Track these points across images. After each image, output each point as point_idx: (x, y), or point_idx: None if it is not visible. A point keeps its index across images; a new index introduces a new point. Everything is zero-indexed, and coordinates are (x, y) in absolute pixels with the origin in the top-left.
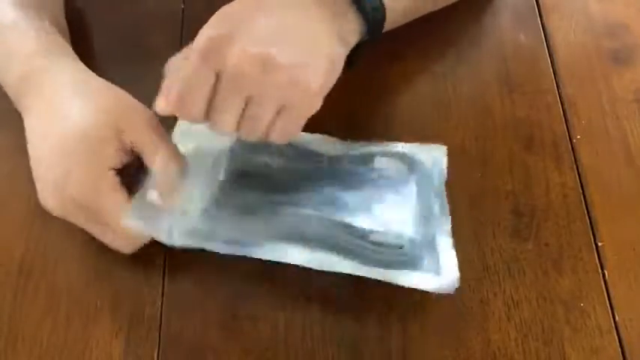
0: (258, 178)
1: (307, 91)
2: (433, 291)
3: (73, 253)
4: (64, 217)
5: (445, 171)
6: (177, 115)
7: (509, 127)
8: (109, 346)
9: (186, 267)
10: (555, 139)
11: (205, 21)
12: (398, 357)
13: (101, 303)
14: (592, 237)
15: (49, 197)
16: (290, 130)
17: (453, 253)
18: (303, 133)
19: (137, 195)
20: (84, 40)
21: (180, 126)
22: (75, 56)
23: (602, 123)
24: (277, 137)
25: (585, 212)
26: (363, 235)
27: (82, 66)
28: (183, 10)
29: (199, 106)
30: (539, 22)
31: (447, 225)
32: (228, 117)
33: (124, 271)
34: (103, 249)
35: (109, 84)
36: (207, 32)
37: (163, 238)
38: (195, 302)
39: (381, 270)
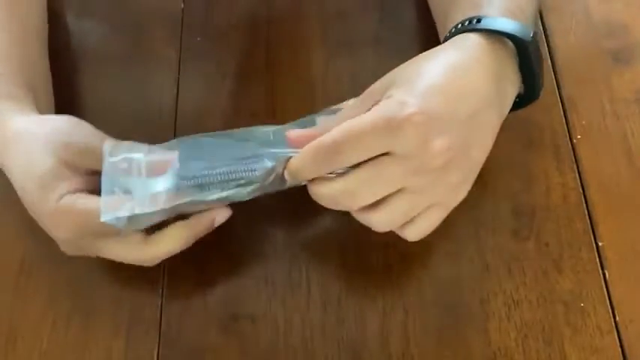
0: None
1: (463, 194)
2: None
3: None
4: (97, 255)
5: None
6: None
7: (509, 127)
8: (109, 346)
9: (186, 267)
10: (555, 139)
11: (205, 20)
12: (398, 357)
13: (101, 303)
14: (592, 237)
15: (65, 249)
16: (429, 229)
17: None
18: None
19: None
20: (84, 40)
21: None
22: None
23: (603, 123)
24: (412, 236)
25: (585, 212)
26: None
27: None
28: (183, 9)
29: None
30: (540, 22)
31: None
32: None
33: (124, 271)
34: None
35: (43, 120)
36: (405, 98)
37: (145, 207)
38: (195, 302)
39: None
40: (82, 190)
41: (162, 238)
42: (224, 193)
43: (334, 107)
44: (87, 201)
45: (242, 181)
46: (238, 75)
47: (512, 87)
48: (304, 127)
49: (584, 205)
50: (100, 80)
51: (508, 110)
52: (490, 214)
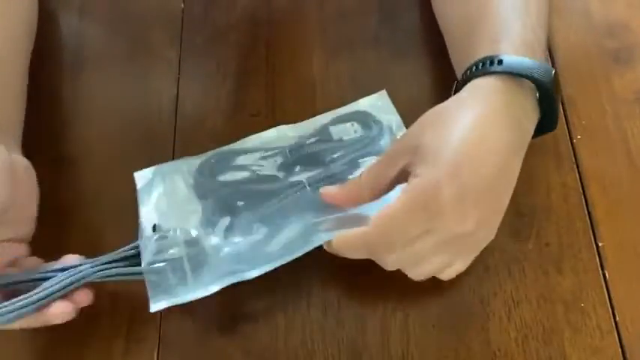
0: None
1: (482, 247)
2: None
3: (72, 252)
4: None
5: (399, 119)
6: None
7: None
8: (109, 346)
9: None
10: (556, 139)
11: (205, 20)
12: (398, 357)
13: (101, 303)
14: (592, 237)
15: None
16: (453, 275)
17: None
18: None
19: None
20: (84, 40)
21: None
22: None
23: (603, 123)
24: (445, 277)
25: (586, 212)
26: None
27: None
28: (183, 9)
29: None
30: None
31: None
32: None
33: None
34: (103, 248)
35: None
36: (436, 176)
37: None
38: (195, 302)
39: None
40: None
41: None
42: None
43: (341, 111)
44: None
45: None
46: (238, 75)
47: (532, 124)
48: (318, 138)
49: (584, 205)
50: (100, 80)
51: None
52: None
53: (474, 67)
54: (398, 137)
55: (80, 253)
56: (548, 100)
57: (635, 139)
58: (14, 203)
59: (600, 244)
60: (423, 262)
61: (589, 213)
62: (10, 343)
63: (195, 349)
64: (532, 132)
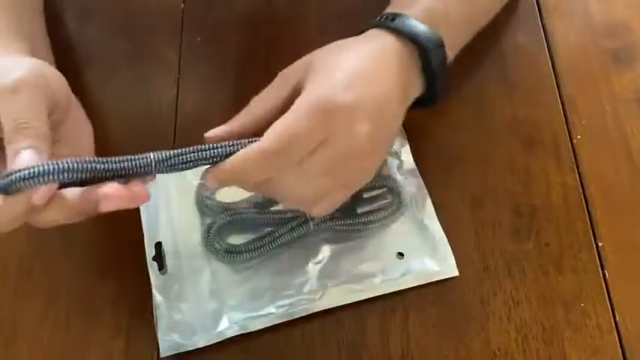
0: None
1: (370, 177)
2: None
3: (73, 253)
4: None
5: (415, 168)
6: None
7: (509, 127)
8: (109, 346)
9: None
10: (555, 139)
11: (205, 20)
12: (398, 357)
13: (101, 303)
14: (592, 237)
15: None
16: (331, 208)
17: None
18: None
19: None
20: (84, 40)
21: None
22: None
23: (603, 123)
24: (315, 213)
25: (585, 212)
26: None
27: None
28: (183, 9)
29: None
30: (539, 22)
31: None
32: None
33: (124, 271)
34: (103, 249)
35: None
36: (330, 85)
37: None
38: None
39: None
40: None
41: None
42: None
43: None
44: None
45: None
46: (238, 75)
47: (413, 88)
48: None
49: (584, 205)
50: (100, 80)
51: (406, 108)
52: (490, 214)
53: (375, 20)
54: (402, 157)
55: (81, 253)
56: (428, 66)
57: (635, 139)
58: (59, 108)
59: (600, 244)
60: (311, 183)
61: (589, 213)
62: (10, 343)
63: (194, 350)
64: (413, 95)
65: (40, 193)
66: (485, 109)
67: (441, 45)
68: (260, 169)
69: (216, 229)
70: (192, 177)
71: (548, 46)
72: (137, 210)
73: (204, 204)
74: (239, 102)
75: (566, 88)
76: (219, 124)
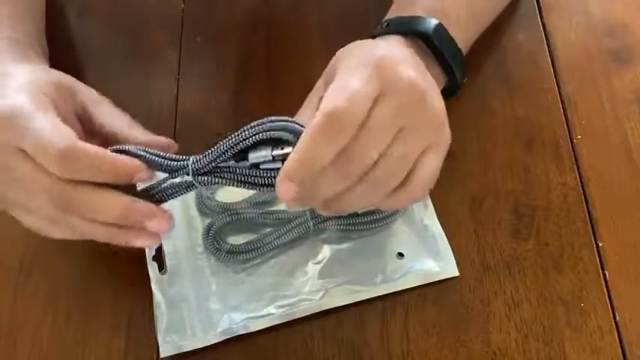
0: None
1: (448, 135)
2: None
3: (73, 253)
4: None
5: None
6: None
7: (509, 127)
8: (109, 346)
9: None
10: (555, 139)
11: (205, 20)
12: (398, 357)
13: (101, 303)
14: (592, 237)
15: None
16: (431, 177)
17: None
18: None
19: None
20: (84, 40)
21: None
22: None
23: (603, 123)
24: (419, 189)
25: (586, 212)
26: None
27: None
28: (183, 9)
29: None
30: (540, 22)
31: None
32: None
33: (123, 271)
34: (103, 248)
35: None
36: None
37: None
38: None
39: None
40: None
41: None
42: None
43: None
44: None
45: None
46: (238, 75)
47: (436, 78)
48: None
49: (584, 205)
50: (100, 80)
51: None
52: (490, 214)
53: (379, 28)
54: None
55: (81, 253)
56: (438, 53)
57: (635, 139)
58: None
59: (600, 244)
60: (388, 141)
61: (589, 213)
62: (10, 343)
63: (194, 350)
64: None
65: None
66: (485, 109)
67: (437, 29)
68: (328, 140)
69: (216, 229)
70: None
71: (548, 46)
72: None
73: (204, 204)
74: (239, 102)
75: (566, 88)
76: (219, 124)
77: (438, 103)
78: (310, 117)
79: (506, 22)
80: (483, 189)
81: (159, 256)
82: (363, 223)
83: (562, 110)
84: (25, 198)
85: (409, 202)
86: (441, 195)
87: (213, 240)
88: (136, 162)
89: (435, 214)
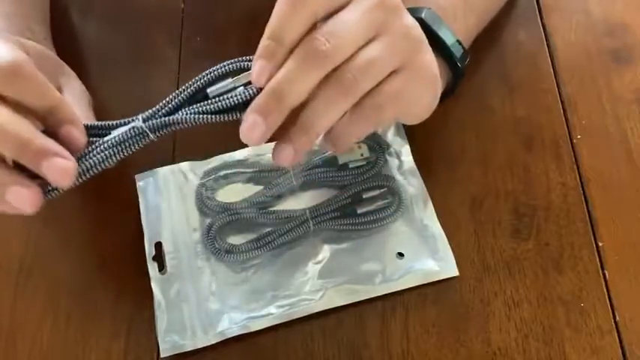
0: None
1: (432, 67)
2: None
3: (73, 253)
4: None
5: (408, 147)
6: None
7: (509, 127)
8: (109, 346)
9: None
10: (555, 138)
11: (205, 20)
12: (398, 357)
13: (101, 303)
14: (592, 237)
15: None
16: (395, 98)
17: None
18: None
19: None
20: (84, 40)
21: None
22: None
23: (603, 123)
24: (388, 110)
25: (586, 212)
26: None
27: None
28: (183, 9)
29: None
30: (540, 21)
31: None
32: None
33: (124, 271)
34: (103, 249)
35: None
36: None
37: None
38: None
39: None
40: None
41: None
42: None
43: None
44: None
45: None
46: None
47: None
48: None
49: (584, 205)
50: (100, 80)
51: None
52: (490, 214)
53: None
54: (402, 157)
55: (81, 253)
56: (434, 35)
57: (635, 139)
58: None
59: (600, 244)
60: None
61: (589, 213)
62: (10, 343)
63: (194, 350)
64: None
65: None
66: (485, 108)
67: (439, 19)
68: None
69: (216, 229)
70: (193, 177)
71: (548, 46)
72: (137, 210)
73: (204, 204)
74: None
75: (566, 88)
76: (219, 124)
77: (416, 30)
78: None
79: (506, 21)
80: (483, 189)
81: (159, 256)
82: (363, 223)
83: (562, 110)
84: None
85: (372, 119)
86: (441, 195)
87: (213, 240)
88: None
89: (435, 214)
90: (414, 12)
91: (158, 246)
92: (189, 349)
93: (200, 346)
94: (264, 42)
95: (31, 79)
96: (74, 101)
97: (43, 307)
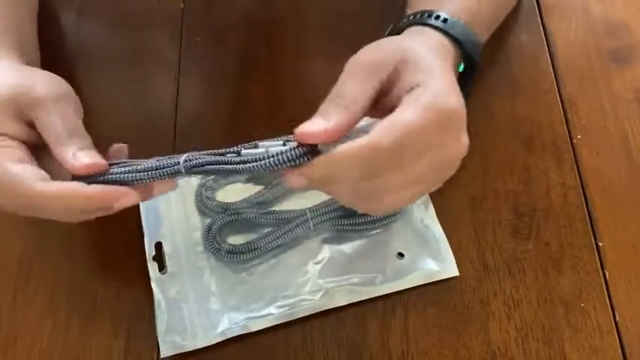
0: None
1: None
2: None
3: (73, 253)
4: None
5: None
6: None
7: (509, 127)
8: (109, 346)
9: None
10: (555, 139)
11: (205, 20)
12: (398, 357)
13: (101, 303)
14: (592, 237)
15: None
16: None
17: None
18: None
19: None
20: (84, 40)
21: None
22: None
23: (603, 123)
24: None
25: (585, 212)
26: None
27: None
28: (183, 9)
29: None
30: (540, 22)
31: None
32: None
33: (123, 271)
34: (103, 249)
35: (14, 66)
36: (443, 88)
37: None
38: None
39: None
40: (12, 138)
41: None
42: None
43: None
44: (13, 167)
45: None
46: (238, 75)
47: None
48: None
49: (584, 205)
50: (100, 80)
51: None
52: (490, 214)
53: (414, 16)
54: None
55: (81, 253)
56: (469, 72)
57: (635, 139)
58: None
59: (600, 244)
60: (409, 186)
61: (589, 213)
62: (10, 343)
63: (194, 349)
64: None
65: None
66: (485, 108)
67: (478, 50)
68: (366, 168)
69: (216, 229)
70: (193, 177)
71: (548, 46)
72: (137, 210)
73: (204, 204)
74: (239, 102)
75: (566, 88)
76: (219, 124)
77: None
78: (335, 115)
79: (506, 22)
80: (483, 189)
81: (159, 256)
82: (363, 223)
83: (562, 110)
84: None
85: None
86: (441, 195)
87: (213, 240)
88: (112, 190)
89: (435, 214)
90: (469, 36)
91: (158, 246)
92: (189, 349)
93: (200, 346)
94: (318, 169)
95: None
96: (46, 120)
97: (43, 308)
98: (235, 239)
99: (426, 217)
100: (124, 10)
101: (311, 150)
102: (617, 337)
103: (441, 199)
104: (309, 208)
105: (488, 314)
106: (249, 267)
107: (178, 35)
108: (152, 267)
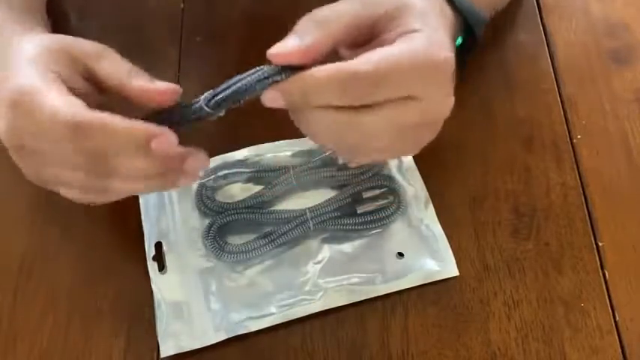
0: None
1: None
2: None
3: (73, 253)
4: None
5: (416, 168)
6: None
7: (509, 127)
8: (109, 346)
9: None
10: (555, 138)
11: (205, 20)
12: (398, 357)
13: (101, 303)
14: (592, 237)
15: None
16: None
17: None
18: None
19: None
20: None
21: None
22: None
23: (603, 123)
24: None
25: (586, 212)
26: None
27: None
28: (183, 9)
29: None
30: (539, 22)
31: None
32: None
33: (124, 271)
34: (103, 248)
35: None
36: (437, 38)
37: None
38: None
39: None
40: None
41: None
42: None
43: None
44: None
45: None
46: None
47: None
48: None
49: (584, 205)
50: None
51: None
52: (490, 214)
53: None
54: (405, 164)
55: (81, 253)
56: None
57: (635, 139)
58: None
59: (600, 244)
60: (385, 133)
61: (589, 213)
62: (10, 343)
63: (194, 349)
64: None
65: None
66: (485, 108)
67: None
68: (343, 92)
69: (216, 229)
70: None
71: (548, 46)
72: (137, 210)
73: (204, 204)
74: None
75: (566, 88)
76: (218, 124)
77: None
78: (310, 34)
79: (506, 22)
80: (483, 189)
81: (159, 256)
82: (363, 223)
83: (562, 110)
84: (58, 174)
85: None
86: (441, 195)
87: (213, 240)
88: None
89: (435, 214)
90: (473, 9)
91: (158, 246)
92: (189, 349)
93: (200, 346)
94: (298, 86)
95: (97, 127)
96: (107, 65)
97: (43, 307)
98: (235, 239)
99: (426, 216)
100: (123, 10)
101: (293, 70)
102: (617, 337)
103: (441, 199)
104: (309, 208)
105: (488, 314)
106: (249, 267)
107: (178, 35)
108: (152, 267)
